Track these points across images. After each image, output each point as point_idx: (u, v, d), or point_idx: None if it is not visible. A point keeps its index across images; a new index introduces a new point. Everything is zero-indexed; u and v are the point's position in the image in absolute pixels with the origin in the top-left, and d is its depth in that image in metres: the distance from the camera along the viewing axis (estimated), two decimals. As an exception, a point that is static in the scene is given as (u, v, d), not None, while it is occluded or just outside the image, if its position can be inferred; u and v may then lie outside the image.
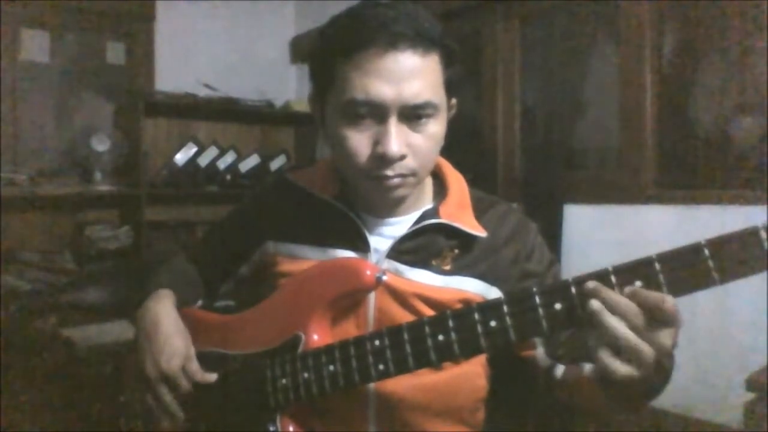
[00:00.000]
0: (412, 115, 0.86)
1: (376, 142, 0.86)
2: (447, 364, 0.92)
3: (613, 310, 0.68)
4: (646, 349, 0.68)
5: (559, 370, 0.95)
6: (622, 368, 0.69)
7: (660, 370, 0.70)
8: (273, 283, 0.99)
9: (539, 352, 0.97)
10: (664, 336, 0.68)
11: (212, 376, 0.93)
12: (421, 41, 0.84)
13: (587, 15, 2.59)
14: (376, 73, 0.83)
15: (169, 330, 0.95)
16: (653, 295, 0.67)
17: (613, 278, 0.70)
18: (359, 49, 0.84)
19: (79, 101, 3.22)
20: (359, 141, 0.87)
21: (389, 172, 0.87)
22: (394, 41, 0.83)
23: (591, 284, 0.70)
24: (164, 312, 0.98)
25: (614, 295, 0.68)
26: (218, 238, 1.16)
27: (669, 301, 0.67)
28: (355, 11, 0.88)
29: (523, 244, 0.99)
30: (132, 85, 3.31)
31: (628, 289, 0.69)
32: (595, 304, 0.69)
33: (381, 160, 0.86)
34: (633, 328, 0.68)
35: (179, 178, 3.30)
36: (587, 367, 0.88)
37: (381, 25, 0.83)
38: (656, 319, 0.67)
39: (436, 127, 0.89)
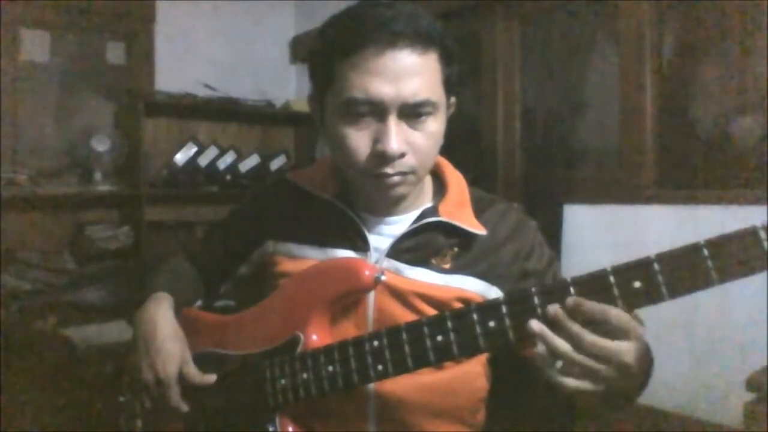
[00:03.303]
0: (412, 113, 0.86)
1: (376, 140, 0.86)
2: (447, 364, 0.92)
3: (559, 328, 0.70)
4: (592, 365, 0.69)
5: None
6: (571, 383, 0.71)
7: (626, 379, 0.71)
8: (272, 283, 0.99)
9: (540, 348, 0.97)
10: (620, 351, 0.69)
11: (211, 378, 0.93)
12: (420, 40, 0.84)
13: (587, 15, 2.59)
14: (375, 71, 0.83)
15: (166, 334, 0.95)
16: (596, 307, 0.69)
17: (612, 278, 0.70)
18: (358, 48, 0.84)
19: (79, 101, 3.22)
20: (359, 139, 0.87)
21: (389, 170, 0.87)
22: (392, 40, 0.83)
23: (551, 309, 0.71)
24: (161, 316, 0.98)
25: (561, 316, 0.70)
26: (218, 238, 1.16)
27: (613, 312, 0.68)
28: (353, 11, 0.88)
29: (523, 242, 0.99)
30: (132, 85, 3.31)
31: (571, 300, 0.70)
32: (534, 325, 0.72)
33: (381, 157, 0.86)
34: (577, 345, 0.70)
35: (179, 178, 3.30)
36: None
37: (380, 24, 0.83)
38: (605, 331, 0.69)
39: (435, 125, 0.89)
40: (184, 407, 0.93)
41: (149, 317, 0.98)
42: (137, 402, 1.01)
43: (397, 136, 0.85)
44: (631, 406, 0.82)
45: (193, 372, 0.93)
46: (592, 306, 0.69)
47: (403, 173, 0.88)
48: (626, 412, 0.81)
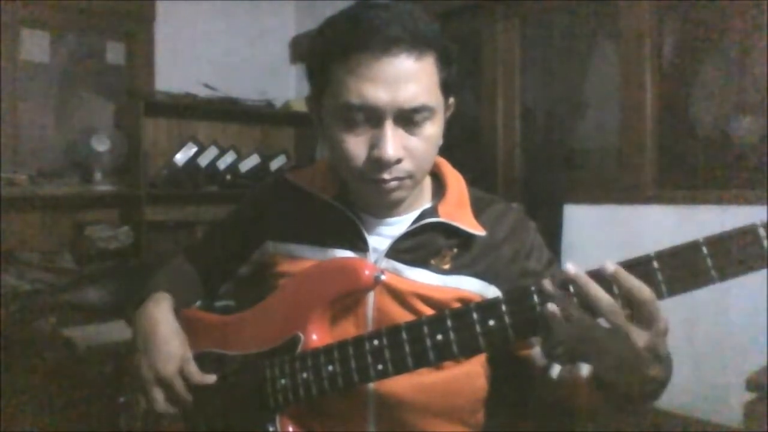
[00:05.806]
0: (408, 118, 0.85)
1: (372, 145, 0.85)
2: (446, 363, 0.91)
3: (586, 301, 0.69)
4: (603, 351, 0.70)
5: (555, 369, 0.95)
6: (567, 362, 0.73)
7: (629, 372, 0.71)
8: (272, 283, 0.99)
9: (536, 351, 0.97)
10: (638, 335, 0.68)
11: (211, 377, 0.93)
12: (417, 44, 0.83)
13: (587, 15, 2.59)
14: (371, 77, 0.82)
15: (166, 333, 0.95)
16: (635, 283, 0.67)
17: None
18: (354, 53, 0.83)
19: (79, 101, 3.22)
20: (355, 144, 0.86)
21: (386, 176, 0.86)
22: (388, 45, 0.82)
23: (571, 269, 0.70)
24: (161, 315, 0.98)
25: (592, 286, 0.69)
26: (218, 238, 1.16)
27: (648, 294, 0.67)
28: (350, 13, 0.87)
29: (522, 242, 0.99)
30: (132, 85, 3.31)
31: (611, 266, 0.68)
32: (570, 268, 0.70)
33: (377, 163, 0.85)
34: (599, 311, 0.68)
35: (179, 178, 3.30)
36: (585, 368, 0.87)
37: (375, 28, 0.82)
38: (632, 306, 0.68)
39: (432, 129, 0.88)
40: (178, 408, 0.93)
41: (149, 316, 0.98)
42: (137, 402, 1.00)
43: (394, 142, 0.84)
44: (638, 411, 0.82)
45: (194, 371, 0.93)
46: (631, 281, 0.67)
47: (399, 178, 0.88)
48: (638, 417, 0.81)
